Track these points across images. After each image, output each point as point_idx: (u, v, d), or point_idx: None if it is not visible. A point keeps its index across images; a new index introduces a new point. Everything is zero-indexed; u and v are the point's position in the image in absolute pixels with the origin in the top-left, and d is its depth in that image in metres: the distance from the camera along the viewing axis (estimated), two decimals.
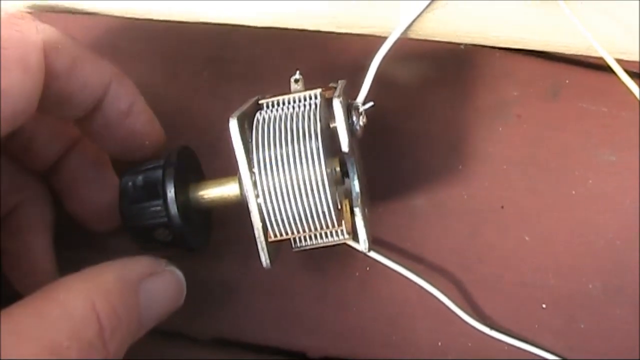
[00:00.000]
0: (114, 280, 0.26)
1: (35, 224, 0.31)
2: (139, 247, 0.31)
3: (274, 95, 0.29)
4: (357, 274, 0.33)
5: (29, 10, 0.31)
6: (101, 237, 0.33)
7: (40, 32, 0.26)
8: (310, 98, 0.28)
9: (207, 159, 0.33)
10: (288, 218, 0.27)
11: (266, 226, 0.27)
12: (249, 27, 0.30)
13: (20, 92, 0.25)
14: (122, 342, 0.26)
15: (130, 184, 0.29)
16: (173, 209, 0.29)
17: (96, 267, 0.26)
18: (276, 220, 0.27)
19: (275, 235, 0.27)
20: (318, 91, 0.28)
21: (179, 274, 0.29)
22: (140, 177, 0.29)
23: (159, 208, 0.29)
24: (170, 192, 0.29)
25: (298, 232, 0.27)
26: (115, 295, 0.26)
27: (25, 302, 0.24)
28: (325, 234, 0.29)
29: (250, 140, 0.27)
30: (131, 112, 0.30)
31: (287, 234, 0.28)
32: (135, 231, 0.29)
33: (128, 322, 0.26)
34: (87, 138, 0.32)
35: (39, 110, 0.27)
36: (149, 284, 0.27)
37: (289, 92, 0.29)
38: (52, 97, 0.27)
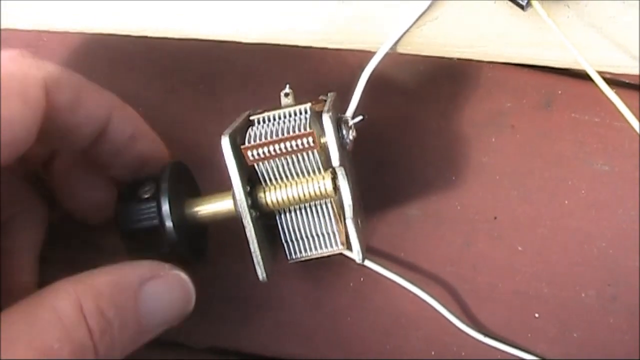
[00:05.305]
0: (106, 283, 0.26)
1: (24, 238, 0.32)
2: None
3: (265, 110, 0.29)
4: (351, 284, 0.34)
5: (30, 30, 0.32)
6: (99, 237, 0.33)
7: (41, 69, 0.27)
8: (301, 113, 0.29)
9: (204, 171, 0.33)
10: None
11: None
12: (244, 43, 0.31)
13: (20, 122, 0.26)
14: (114, 345, 0.26)
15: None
16: (169, 224, 0.29)
17: (91, 271, 0.27)
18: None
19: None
20: (308, 105, 0.29)
21: (184, 277, 0.29)
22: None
23: (153, 210, 0.29)
24: (165, 207, 0.29)
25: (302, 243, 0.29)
26: (105, 298, 0.26)
27: (16, 308, 0.25)
28: (320, 245, 0.30)
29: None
30: (135, 136, 0.31)
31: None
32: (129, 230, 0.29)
33: (121, 325, 0.26)
34: (96, 166, 0.32)
35: (45, 143, 0.27)
36: (151, 287, 0.27)
37: (279, 106, 0.29)
38: (57, 129, 0.28)
